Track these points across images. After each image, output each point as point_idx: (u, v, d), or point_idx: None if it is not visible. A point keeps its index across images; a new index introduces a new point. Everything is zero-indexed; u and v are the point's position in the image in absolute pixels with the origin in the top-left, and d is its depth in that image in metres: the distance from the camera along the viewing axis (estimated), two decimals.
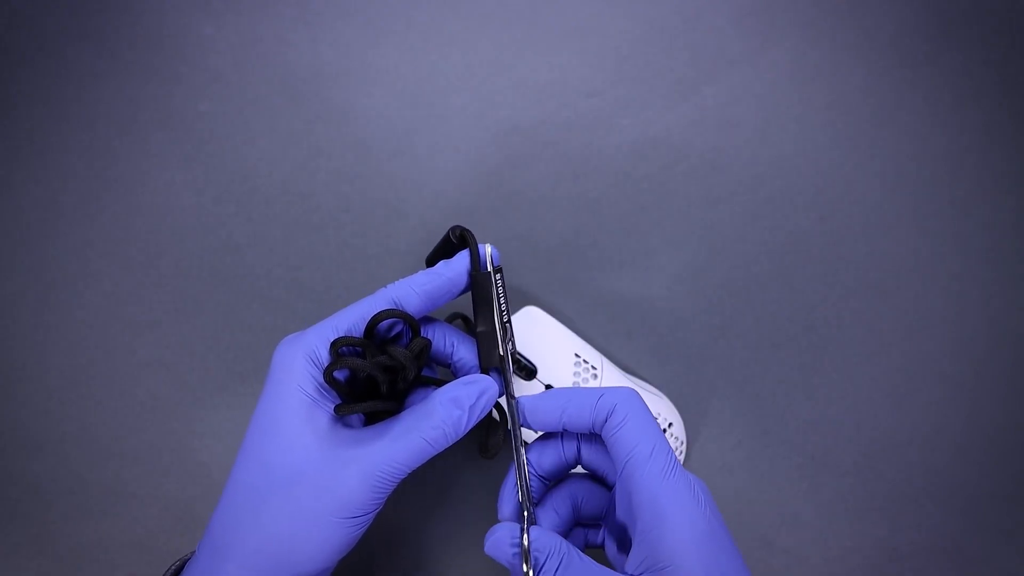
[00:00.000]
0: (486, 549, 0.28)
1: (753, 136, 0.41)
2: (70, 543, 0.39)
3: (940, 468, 0.39)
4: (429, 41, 0.41)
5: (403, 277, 0.30)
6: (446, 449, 0.28)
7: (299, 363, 0.28)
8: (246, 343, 0.40)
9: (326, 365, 0.28)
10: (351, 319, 0.29)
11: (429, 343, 0.30)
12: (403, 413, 0.29)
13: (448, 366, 0.32)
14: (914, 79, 0.41)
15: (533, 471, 0.30)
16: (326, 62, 0.41)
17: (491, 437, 0.31)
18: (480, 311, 0.30)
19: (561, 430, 0.29)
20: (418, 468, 0.28)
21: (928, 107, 0.41)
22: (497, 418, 0.32)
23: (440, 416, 0.27)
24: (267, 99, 0.41)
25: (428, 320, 0.32)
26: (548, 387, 0.35)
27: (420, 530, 0.39)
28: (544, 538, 0.27)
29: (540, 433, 0.32)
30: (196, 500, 0.39)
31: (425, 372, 0.32)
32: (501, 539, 0.27)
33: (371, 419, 0.30)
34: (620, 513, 0.29)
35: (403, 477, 0.27)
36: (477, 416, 0.28)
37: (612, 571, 0.26)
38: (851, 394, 0.39)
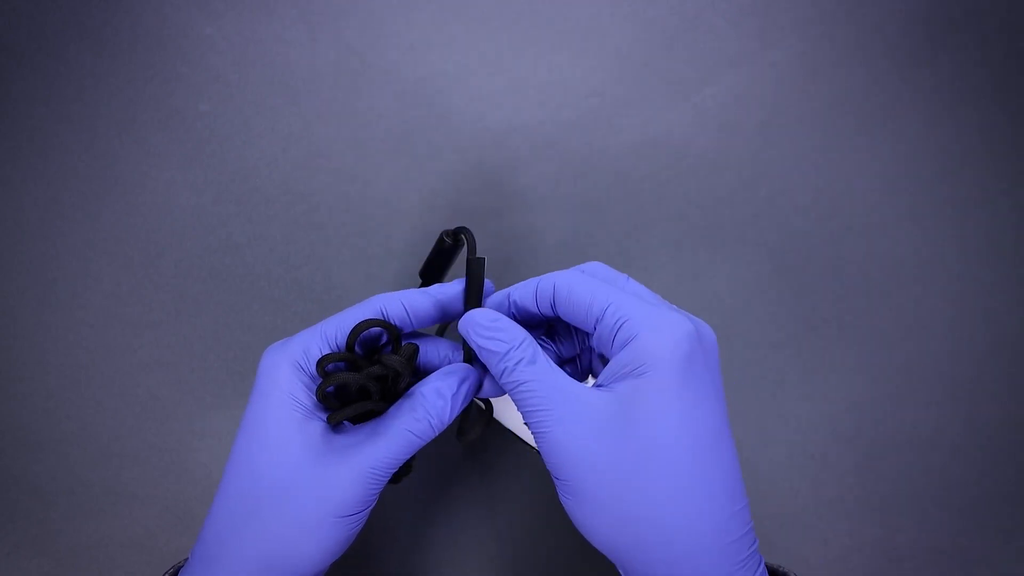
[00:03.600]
0: (459, 327, 0.29)
1: (753, 136, 0.41)
2: (70, 543, 0.39)
3: (940, 468, 0.39)
4: (429, 41, 0.41)
5: (400, 277, 0.30)
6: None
7: (285, 371, 0.28)
8: (246, 343, 0.40)
9: (315, 379, 0.28)
10: (338, 326, 0.29)
11: (418, 347, 0.30)
12: (390, 410, 0.29)
13: None
14: (914, 79, 0.41)
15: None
16: (326, 62, 0.41)
17: (470, 423, 0.32)
18: (470, 299, 0.30)
19: (512, 315, 0.29)
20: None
21: (928, 107, 0.41)
22: (483, 406, 0.32)
23: (424, 408, 0.28)
24: (267, 99, 0.41)
25: (418, 335, 0.32)
26: None
27: (419, 530, 0.39)
28: (514, 330, 0.27)
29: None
30: (196, 500, 0.39)
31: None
32: (475, 319, 0.28)
33: (362, 419, 0.30)
34: (596, 344, 0.28)
35: (394, 470, 0.28)
36: (460, 404, 0.29)
37: (574, 380, 0.26)
38: (851, 394, 0.39)
